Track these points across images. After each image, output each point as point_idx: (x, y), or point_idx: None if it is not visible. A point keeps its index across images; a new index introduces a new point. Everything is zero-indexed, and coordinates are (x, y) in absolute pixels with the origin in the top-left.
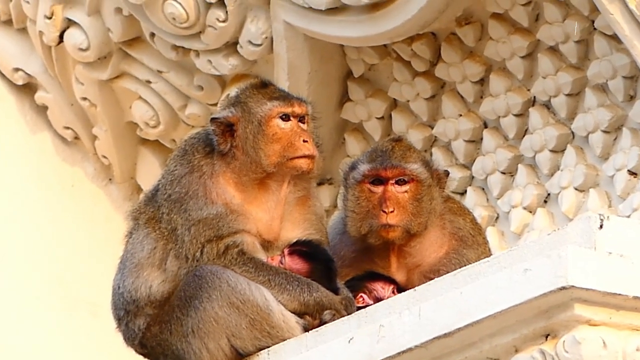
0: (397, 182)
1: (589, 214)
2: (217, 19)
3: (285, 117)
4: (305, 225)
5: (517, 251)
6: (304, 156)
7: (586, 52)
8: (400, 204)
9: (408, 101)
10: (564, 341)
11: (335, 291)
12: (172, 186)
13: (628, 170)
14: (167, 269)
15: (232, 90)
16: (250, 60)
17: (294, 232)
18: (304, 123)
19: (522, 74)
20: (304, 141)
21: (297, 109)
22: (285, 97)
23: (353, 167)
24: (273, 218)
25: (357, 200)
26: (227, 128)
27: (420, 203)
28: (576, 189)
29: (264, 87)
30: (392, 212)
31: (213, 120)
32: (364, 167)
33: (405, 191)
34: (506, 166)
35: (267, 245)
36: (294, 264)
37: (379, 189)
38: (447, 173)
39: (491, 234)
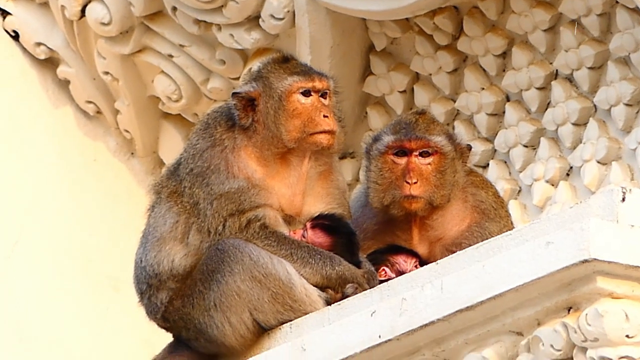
0: (421, 154)
1: (611, 187)
2: None
3: (306, 93)
4: (327, 200)
5: (539, 224)
6: (324, 131)
7: (608, 25)
8: (424, 176)
9: (430, 75)
10: (586, 314)
11: (358, 264)
12: (194, 160)
13: None
14: (189, 242)
15: (254, 65)
16: (272, 34)
17: (317, 206)
18: (325, 98)
19: (545, 47)
20: (324, 116)
21: (318, 84)
22: (306, 72)
23: (376, 139)
24: (295, 193)
25: (380, 172)
26: (249, 103)
27: (443, 175)
28: (598, 162)
29: (286, 62)
30: (415, 183)
31: (234, 94)
32: (388, 139)
33: (429, 163)
34: (528, 139)
35: (289, 220)
36: (316, 237)
37: (402, 160)
38: (469, 147)
39: (513, 207)
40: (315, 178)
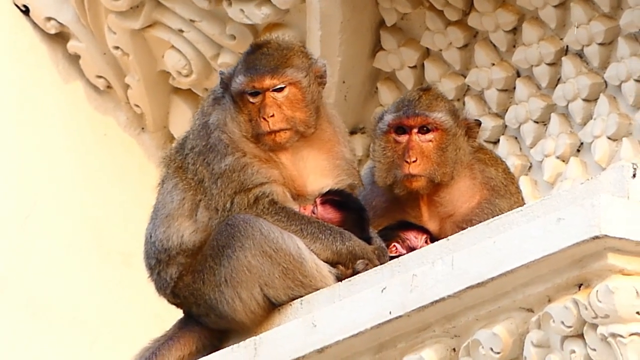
0: (420, 131)
1: (622, 163)
2: None
3: (253, 93)
4: (335, 172)
5: (550, 200)
6: (264, 133)
7: (619, 1)
8: (424, 154)
9: (441, 50)
10: (597, 291)
11: (368, 240)
12: (194, 138)
13: None
14: (197, 219)
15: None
16: (282, 9)
17: (325, 181)
18: (280, 92)
19: (555, 23)
20: (263, 118)
21: (258, 84)
22: (252, 70)
23: (380, 118)
24: (293, 174)
25: (383, 151)
26: (227, 84)
27: (444, 152)
28: (609, 138)
29: (253, 52)
30: (414, 161)
31: (220, 73)
32: (388, 117)
33: (430, 140)
34: (539, 115)
35: (296, 197)
36: (326, 213)
37: (403, 139)
38: (478, 123)
39: (524, 183)
40: (317, 154)
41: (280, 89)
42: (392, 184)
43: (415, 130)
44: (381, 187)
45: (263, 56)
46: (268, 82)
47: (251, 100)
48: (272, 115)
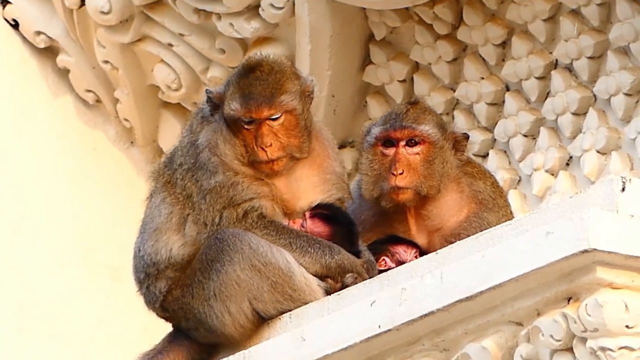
0: (408, 144)
1: (611, 177)
2: None
3: (248, 121)
4: (325, 187)
5: (539, 214)
6: (264, 162)
7: (608, 15)
8: (411, 166)
9: (430, 64)
10: (586, 304)
11: (357, 254)
12: (182, 154)
13: None
14: (186, 233)
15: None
16: (272, 23)
17: (315, 196)
18: (276, 120)
19: (544, 37)
20: (261, 147)
21: (255, 114)
22: (247, 99)
23: (368, 132)
24: (286, 195)
25: (370, 164)
26: (216, 104)
27: (431, 165)
28: (598, 151)
29: (245, 77)
30: (401, 174)
31: (206, 91)
32: (376, 130)
33: (417, 153)
34: (528, 129)
35: (286, 214)
36: (316, 227)
37: (390, 152)
38: (466, 136)
39: (513, 197)
40: (308, 171)
41: (277, 117)
42: (378, 196)
43: (403, 142)
44: (368, 201)
45: (258, 82)
46: (266, 112)
47: (246, 126)
48: (270, 145)
